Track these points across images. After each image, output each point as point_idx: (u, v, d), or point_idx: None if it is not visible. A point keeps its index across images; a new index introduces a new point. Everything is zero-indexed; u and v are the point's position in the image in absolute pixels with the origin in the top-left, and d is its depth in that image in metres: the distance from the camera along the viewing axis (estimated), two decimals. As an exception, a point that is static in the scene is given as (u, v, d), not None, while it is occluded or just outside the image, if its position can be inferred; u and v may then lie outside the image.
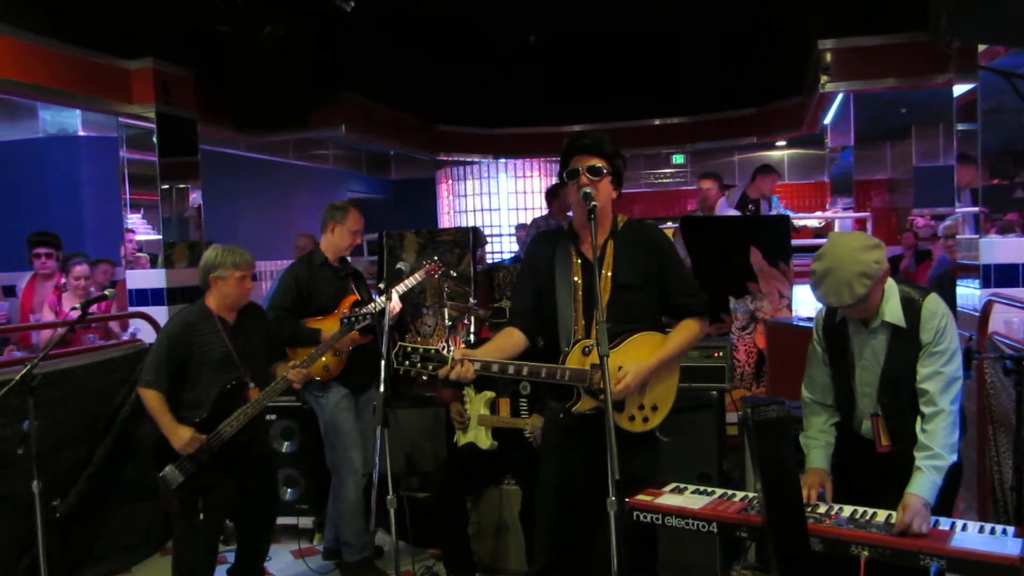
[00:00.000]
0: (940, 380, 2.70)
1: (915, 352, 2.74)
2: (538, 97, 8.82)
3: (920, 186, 10.44)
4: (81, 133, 6.88)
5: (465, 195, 10.76)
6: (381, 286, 3.34)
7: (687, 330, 2.98)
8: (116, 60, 4.97)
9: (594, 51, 8.03)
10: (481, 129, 9.21)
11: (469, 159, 10.30)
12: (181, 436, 3.50)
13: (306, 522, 4.93)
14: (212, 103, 5.66)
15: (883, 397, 2.81)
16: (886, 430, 2.82)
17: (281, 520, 4.62)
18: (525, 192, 10.94)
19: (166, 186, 5.32)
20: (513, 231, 10.26)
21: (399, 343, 2.70)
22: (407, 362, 2.70)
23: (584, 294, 2.90)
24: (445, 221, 11.03)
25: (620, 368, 2.82)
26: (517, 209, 10.83)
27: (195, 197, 5.70)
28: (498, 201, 10.78)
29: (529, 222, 7.85)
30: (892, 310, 2.76)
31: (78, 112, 6.76)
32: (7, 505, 3.95)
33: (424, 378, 2.70)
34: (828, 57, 5.74)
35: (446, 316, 5.83)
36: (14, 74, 4.46)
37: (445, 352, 2.71)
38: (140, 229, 6.17)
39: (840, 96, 6.75)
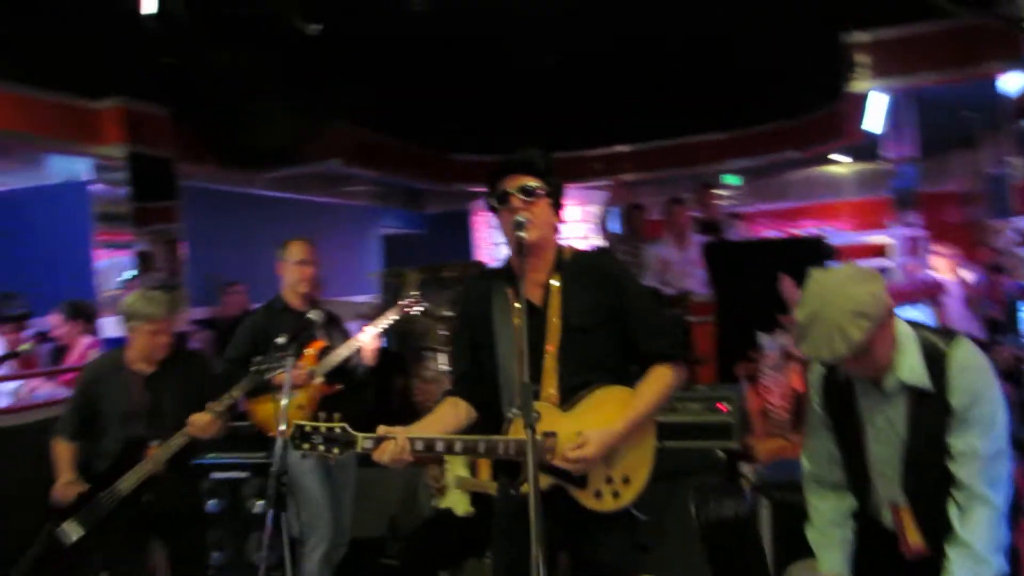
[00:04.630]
0: (976, 459, 2.05)
1: (945, 420, 2.10)
2: (568, 120, 8.36)
3: (994, 195, 9.46)
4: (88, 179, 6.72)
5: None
6: (280, 340, 2.89)
7: (660, 380, 2.44)
8: (82, 100, 4.75)
9: (620, 69, 7.54)
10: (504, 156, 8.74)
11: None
12: (59, 482, 3.41)
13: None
14: (192, 141, 5.40)
15: (908, 482, 2.16)
16: (915, 525, 2.18)
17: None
18: (563, 221, 10.44)
19: (143, 228, 5.06)
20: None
21: (295, 422, 2.25)
22: (306, 444, 2.25)
23: (531, 345, 2.39)
24: (482, 255, 10.63)
25: (579, 434, 2.31)
26: (554, 239, 10.33)
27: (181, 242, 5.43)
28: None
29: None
30: (910, 365, 2.11)
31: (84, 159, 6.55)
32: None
33: (331, 461, 2.25)
34: (858, 54, 5.11)
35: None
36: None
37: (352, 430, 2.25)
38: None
39: (886, 99, 6.07)
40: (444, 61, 6.73)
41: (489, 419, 2.48)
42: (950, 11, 4.36)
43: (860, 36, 5.28)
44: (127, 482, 3.38)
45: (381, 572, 4.12)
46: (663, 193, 11.11)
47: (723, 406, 3.43)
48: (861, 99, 5.72)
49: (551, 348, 2.40)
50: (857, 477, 2.29)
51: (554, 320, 2.41)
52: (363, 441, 2.23)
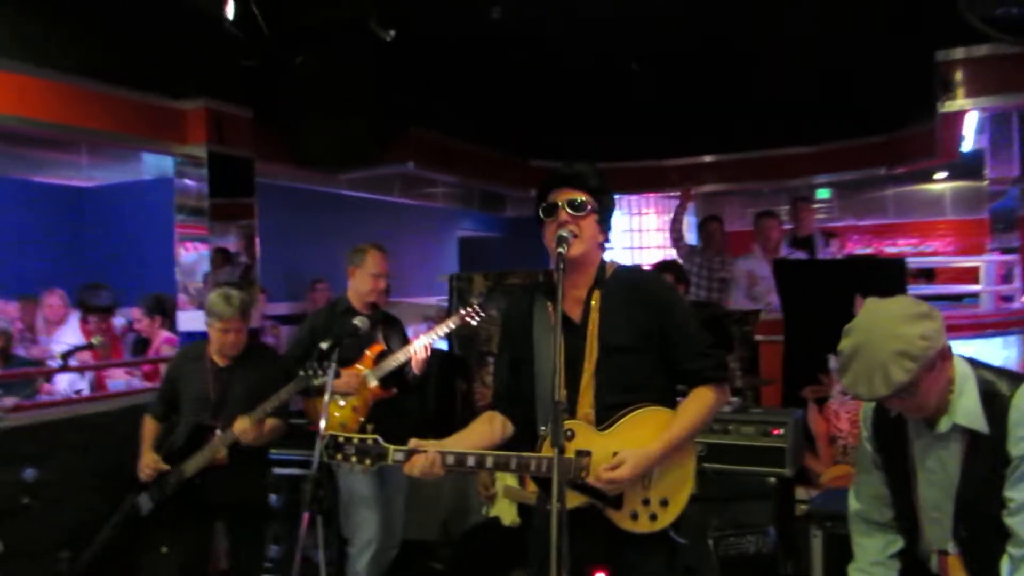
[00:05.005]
0: None
1: (1002, 469, 1.97)
2: (650, 128, 8.22)
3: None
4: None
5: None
6: (324, 346, 2.93)
7: (700, 402, 2.39)
8: (169, 101, 4.95)
9: (707, 76, 7.36)
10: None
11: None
12: (142, 459, 3.66)
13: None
14: (272, 141, 5.56)
15: (959, 529, 2.03)
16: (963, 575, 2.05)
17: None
18: (640, 230, 10.31)
19: (220, 225, 5.25)
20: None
21: (330, 433, 2.29)
22: (339, 455, 2.28)
23: (568, 362, 2.36)
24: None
25: (615, 454, 2.28)
26: (632, 248, 10.20)
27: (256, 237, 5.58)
28: (612, 239, 10.24)
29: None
30: (967, 408, 1.99)
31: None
32: (21, 557, 3.85)
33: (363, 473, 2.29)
34: (950, 72, 4.84)
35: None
36: (63, 118, 4.50)
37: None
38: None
39: (976, 117, 5.74)
40: (524, 67, 6.72)
41: (527, 435, 2.46)
42: (993, 36, 4.17)
43: (954, 53, 5.01)
44: (191, 465, 3.60)
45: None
46: (747, 206, 10.89)
47: (777, 431, 3.29)
48: (955, 117, 5.44)
49: (589, 366, 2.36)
50: (905, 519, 2.17)
51: (592, 338, 2.38)
52: (394, 454, 2.24)
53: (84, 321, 5.51)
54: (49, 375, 3.83)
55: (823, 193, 11.52)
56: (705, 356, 2.41)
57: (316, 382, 3.32)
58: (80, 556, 4.04)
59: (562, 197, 2.39)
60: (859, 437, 2.32)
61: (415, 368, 3.90)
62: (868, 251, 10.85)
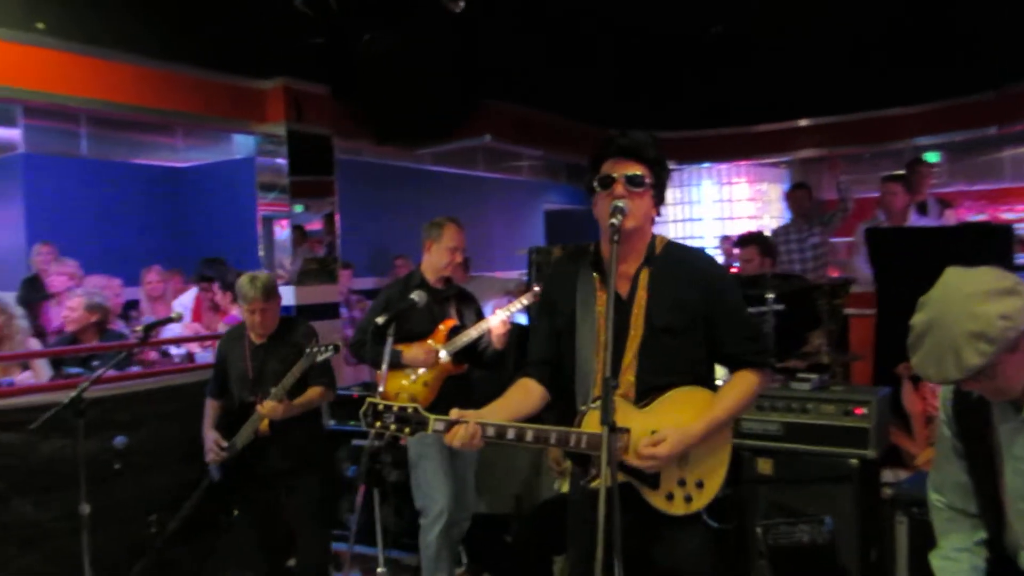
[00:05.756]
0: None
1: None
2: (741, 91, 7.87)
3: None
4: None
5: (665, 204, 9.86)
6: (380, 320, 2.90)
7: (742, 385, 2.34)
8: (250, 81, 5.07)
9: (796, 37, 6.99)
10: (672, 133, 8.34)
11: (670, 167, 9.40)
12: (205, 438, 3.93)
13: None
14: (352, 118, 5.61)
15: None
16: None
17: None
18: (731, 200, 9.94)
19: (300, 202, 5.35)
20: (718, 243, 9.38)
21: (368, 399, 2.27)
22: (378, 423, 2.26)
23: (612, 337, 2.29)
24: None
25: (654, 432, 2.22)
26: (722, 219, 9.86)
27: (336, 214, 5.67)
28: (700, 210, 9.91)
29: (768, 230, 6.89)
30: None
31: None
32: (113, 521, 4.06)
33: (401, 442, 2.28)
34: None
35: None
36: (152, 102, 4.67)
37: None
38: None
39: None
40: (604, 34, 6.56)
41: (562, 406, 2.41)
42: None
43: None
44: (240, 438, 3.82)
45: (502, 549, 4.14)
46: (846, 172, 10.36)
47: (860, 410, 3.11)
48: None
49: (633, 344, 2.30)
50: (990, 511, 1.99)
51: (638, 315, 2.30)
52: (435, 423, 2.21)
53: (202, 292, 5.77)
54: (132, 348, 4.01)
55: (932, 157, 10.84)
56: (750, 340, 2.36)
57: (320, 358, 3.51)
58: (168, 521, 4.24)
59: (619, 170, 2.31)
60: (938, 421, 2.15)
61: (495, 343, 3.86)
62: (981, 218, 10.18)
